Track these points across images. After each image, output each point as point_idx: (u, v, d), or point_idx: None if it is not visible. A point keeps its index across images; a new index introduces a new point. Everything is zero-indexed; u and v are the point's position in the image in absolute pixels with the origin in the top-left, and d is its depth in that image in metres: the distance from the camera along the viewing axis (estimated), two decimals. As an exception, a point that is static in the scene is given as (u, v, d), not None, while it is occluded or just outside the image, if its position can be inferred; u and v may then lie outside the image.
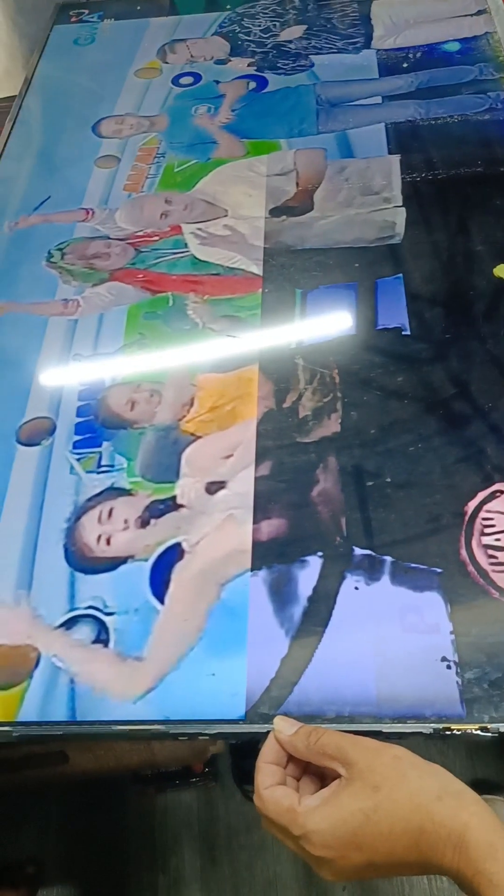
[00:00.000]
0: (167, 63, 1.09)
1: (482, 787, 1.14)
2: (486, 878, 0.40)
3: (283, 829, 0.45)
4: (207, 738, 0.52)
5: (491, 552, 0.57)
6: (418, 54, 1.01)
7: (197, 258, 0.81)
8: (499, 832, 0.41)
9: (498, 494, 0.60)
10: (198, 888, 1.18)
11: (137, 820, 1.23)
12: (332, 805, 0.43)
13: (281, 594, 0.57)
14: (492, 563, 0.56)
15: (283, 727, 0.49)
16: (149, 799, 1.24)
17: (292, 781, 0.48)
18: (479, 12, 1.06)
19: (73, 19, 1.21)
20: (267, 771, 0.47)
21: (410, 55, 1.02)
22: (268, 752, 0.48)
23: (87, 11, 1.22)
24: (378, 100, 0.96)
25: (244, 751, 1.23)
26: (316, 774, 0.48)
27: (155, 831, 1.22)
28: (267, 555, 0.59)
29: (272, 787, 0.46)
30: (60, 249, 0.85)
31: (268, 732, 0.50)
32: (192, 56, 1.09)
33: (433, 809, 0.42)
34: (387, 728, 0.50)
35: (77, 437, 0.69)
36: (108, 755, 0.93)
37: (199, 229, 0.84)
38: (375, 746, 0.45)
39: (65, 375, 0.74)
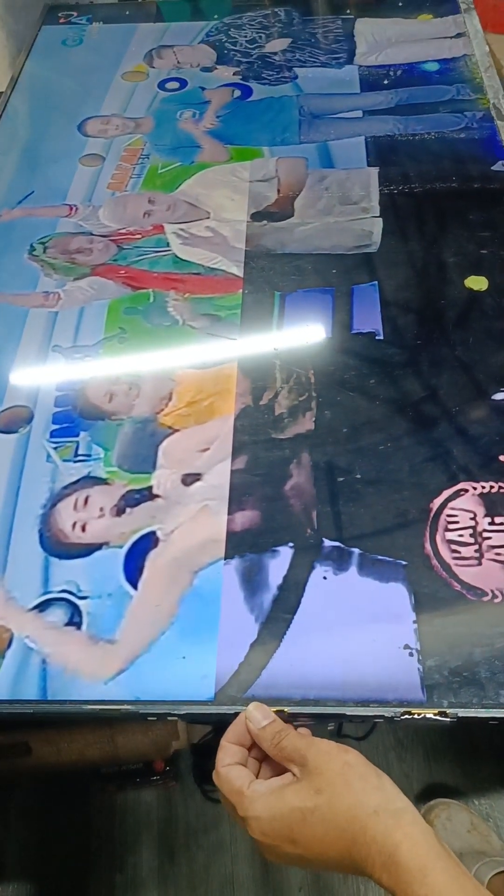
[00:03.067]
0: (154, 67, 1.11)
1: (439, 791, 1.17)
2: None
3: (231, 807, 0.47)
4: (177, 718, 0.53)
5: (454, 547, 0.59)
6: (399, 72, 1.05)
7: (178, 257, 0.83)
8: (432, 854, 0.41)
9: (462, 493, 0.62)
10: (154, 887, 1.18)
11: (97, 818, 1.23)
12: (275, 797, 0.45)
13: (252, 582, 0.59)
14: (454, 558, 0.58)
15: (255, 718, 0.49)
16: (109, 797, 1.24)
17: (254, 763, 0.50)
18: (459, 35, 1.10)
19: (61, 20, 1.23)
20: (229, 750, 0.49)
21: (391, 73, 1.05)
22: (233, 732, 0.50)
23: (75, 14, 1.24)
24: (359, 114, 0.99)
25: (206, 751, 1.24)
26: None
27: (114, 830, 1.22)
28: (240, 544, 0.61)
29: (230, 766, 0.48)
30: (43, 243, 0.86)
31: (236, 714, 0.51)
32: (178, 62, 1.11)
33: (367, 824, 0.42)
34: (350, 711, 0.51)
35: (54, 427, 0.70)
36: (72, 748, 0.93)
37: (182, 230, 0.86)
38: (329, 750, 0.46)
39: (44, 366, 0.75)
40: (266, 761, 0.50)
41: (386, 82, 1.03)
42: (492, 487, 0.62)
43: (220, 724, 0.51)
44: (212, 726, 1.15)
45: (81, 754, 0.95)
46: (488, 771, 1.21)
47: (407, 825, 0.43)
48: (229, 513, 0.63)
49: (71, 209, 0.90)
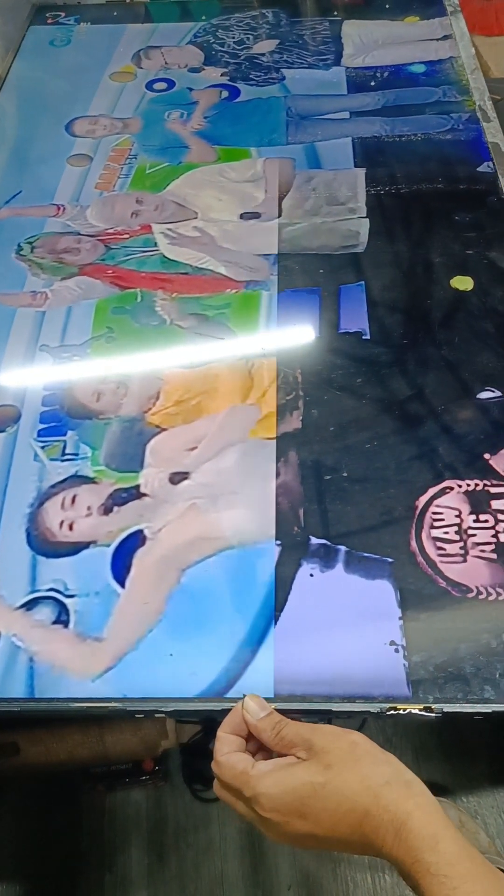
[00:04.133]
0: (142, 68, 1.11)
1: (429, 789, 1.17)
2: (424, 867, 0.40)
3: (236, 791, 0.46)
4: (164, 715, 0.53)
5: (439, 544, 0.59)
6: (386, 74, 1.06)
7: (166, 257, 0.83)
8: (442, 824, 0.42)
9: (448, 490, 0.62)
10: (144, 886, 1.18)
11: (87, 818, 1.23)
12: (284, 772, 0.45)
13: (239, 580, 0.59)
14: (440, 555, 0.59)
15: (252, 710, 0.49)
16: (99, 797, 1.24)
17: (250, 755, 0.49)
18: (445, 37, 1.11)
19: (49, 21, 1.23)
20: (226, 740, 0.48)
21: (378, 74, 1.06)
22: (229, 723, 0.49)
23: (63, 14, 1.24)
24: (346, 115, 1.00)
25: (195, 750, 1.24)
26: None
27: (104, 829, 1.22)
28: (227, 542, 0.61)
29: (229, 754, 0.47)
30: (30, 243, 0.86)
31: (224, 711, 0.52)
32: (166, 63, 1.11)
33: (380, 793, 0.43)
34: (336, 707, 0.52)
35: (42, 426, 0.70)
36: (60, 747, 0.94)
37: (169, 229, 0.86)
38: (334, 731, 0.46)
39: (31, 365, 0.75)
40: (261, 754, 0.50)
41: (373, 84, 1.04)
42: (476, 485, 0.62)
43: (209, 721, 0.52)
44: (201, 726, 1.15)
45: (70, 754, 0.96)
46: (477, 769, 1.22)
47: (418, 795, 0.43)
48: (216, 511, 0.63)
49: (58, 209, 0.90)
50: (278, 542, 0.61)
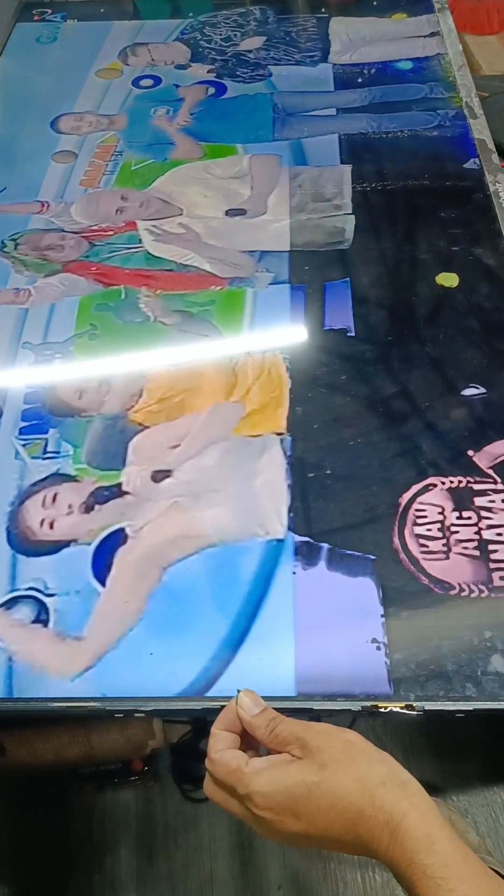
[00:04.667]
0: (128, 65, 1.10)
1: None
2: (421, 869, 0.40)
3: (229, 788, 0.45)
4: (144, 714, 0.52)
5: (422, 541, 0.59)
6: (373, 70, 1.05)
7: (151, 254, 0.83)
8: (437, 824, 0.41)
9: (431, 487, 0.62)
10: (133, 887, 1.17)
11: (75, 819, 1.22)
12: (279, 771, 0.44)
13: (221, 578, 0.58)
14: (422, 552, 0.58)
15: (246, 706, 0.48)
16: (87, 797, 1.23)
17: (243, 753, 0.48)
18: (432, 34, 1.10)
19: (35, 18, 1.22)
20: (220, 736, 0.47)
21: (365, 71, 1.05)
22: (223, 720, 0.48)
23: (50, 11, 1.23)
24: (333, 111, 0.99)
25: (184, 750, 1.24)
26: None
27: (93, 830, 1.21)
28: (209, 540, 0.61)
29: (223, 751, 0.46)
30: (14, 240, 0.85)
31: (204, 710, 0.51)
32: (153, 59, 1.11)
33: (375, 793, 0.42)
34: (317, 705, 0.51)
35: (24, 423, 0.69)
36: (47, 748, 0.93)
37: (154, 226, 0.86)
38: (328, 730, 0.45)
39: (14, 363, 0.74)
40: (252, 752, 0.49)
41: (360, 80, 1.04)
42: (460, 482, 0.62)
43: (198, 720, 0.51)
44: (191, 726, 1.14)
45: (57, 754, 0.95)
46: (467, 767, 1.21)
47: (413, 795, 0.43)
48: (199, 509, 0.62)
49: (43, 206, 0.89)
50: (260, 539, 0.60)
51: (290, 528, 0.61)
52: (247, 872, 1.18)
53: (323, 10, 1.17)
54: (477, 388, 0.69)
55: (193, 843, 1.21)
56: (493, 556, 0.58)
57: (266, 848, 1.19)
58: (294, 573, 0.58)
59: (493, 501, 0.61)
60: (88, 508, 0.63)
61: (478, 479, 0.62)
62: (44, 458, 0.67)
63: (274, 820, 0.44)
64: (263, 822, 0.44)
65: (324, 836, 0.43)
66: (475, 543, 0.59)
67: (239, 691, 0.49)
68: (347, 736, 0.45)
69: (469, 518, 0.60)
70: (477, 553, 0.58)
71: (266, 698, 0.51)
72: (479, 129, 0.94)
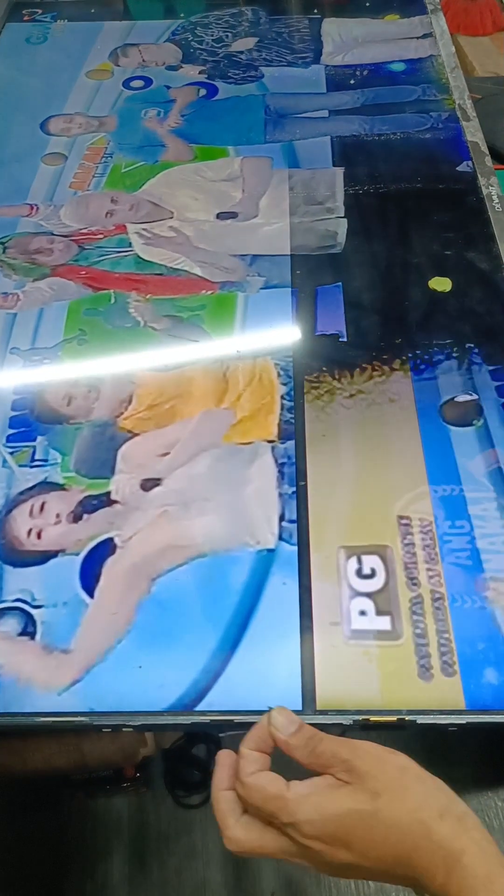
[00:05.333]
0: (119, 66, 1.09)
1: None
2: None
3: (266, 816, 0.43)
4: (132, 729, 0.52)
5: (414, 550, 0.58)
6: (365, 72, 1.04)
7: (141, 258, 0.82)
8: (496, 861, 0.40)
9: (424, 496, 0.61)
10: (126, 894, 1.16)
11: (67, 825, 1.21)
12: (327, 798, 0.42)
13: (211, 588, 0.58)
14: (414, 561, 0.58)
15: (281, 725, 0.46)
16: (79, 805, 1.22)
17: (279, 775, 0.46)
18: (425, 35, 1.10)
19: (25, 18, 1.21)
20: (250, 757, 0.45)
21: (358, 72, 1.04)
22: (253, 739, 0.46)
23: (40, 11, 1.22)
24: (325, 113, 0.99)
25: (177, 756, 1.23)
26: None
27: (85, 836, 1.20)
28: (199, 550, 0.60)
29: (256, 774, 0.44)
30: (2, 243, 0.84)
31: (192, 724, 0.50)
32: (143, 60, 1.10)
33: (433, 828, 0.40)
34: (308, 719, 0.50)
35: (11, 431, 0.68)
36: (37, 757, 0.92)
37: (144, 229, 0.85)
38: (379, 754, 0.43)
39: (1, 369, 0.73)
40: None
41: (352, 82, 1.03)
42: (453, 490, 0.61)
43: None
44: (183, 731, 1.13)
45: (48, 763, 0.94)
46: (460, 773, 1.21)
47: (472, 829, 0.41)
48: (189, 518, 0.62)
49: (32, 209, 0.88)
50: (251, 549, 0.59)
51: (280, 538, 0.60)
52: (240, 879, 1.17)
53: (315, 10, 1.17)
54: (470, 394, 0.68)
55: (186, 849, 1.20)
56: (485, 566, 0.57)
57: (259, 854, 1.18)
58: (285, 584, 0.57)
59: (486, 510, 0.60)
60: (77, 518, 0.62)
61: (471, 487, 0.62)
62: (31, 467, 0.66)
63: (323, 850, 0.41)
64: (309, 853, 0.42)
65: (374, 868, 0.42)
66: (467, 553, 0.58)
67: (270, 709, 0.47)
68: (400, 761, 0.43)
69: (462, 527, 0.59)
70: (469, 563, 0.58)
71: (256, 712, 0.51)
72: (473, 132, 0.94)
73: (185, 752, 1.23)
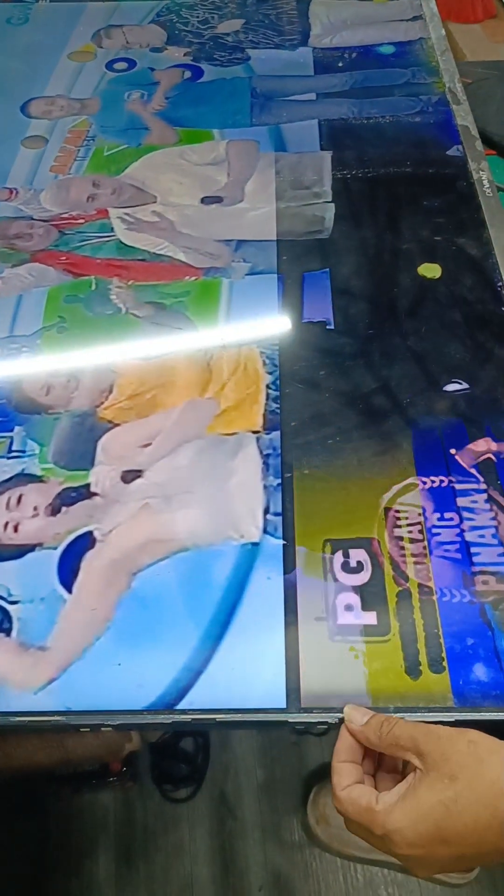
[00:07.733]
0: (102, 48, 1.07)
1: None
2: None
3: (365, 828, 0.43)
4: (111, 729, 0.50)
5: (402, 543, 0.57)
6: (354, 55, 1.02)
7: (123, 243, 0.80)
8: None
9: (412, 488, 0.60)
10: (112, 891, 1.15)
11: (52, 821, 1.20)
12: (410, 800, 0.41)
13: (193, 584, 0.56)
14: (402, 555, 0.56)
15: (353, 717, 0.47)
16: (64, 800, 1.21)
17: (368, 778, 0.47)
18: (415, 18, 1.08)
19: (6, -2, 1.18)
20: (343, 771, 0.45)
21: (346, 55, 1.02)
22: (342, 750, 0.46)
23: (21, -9, 1.19)
24: (312, 96, 0.96)
25: (164, 749, 1.21)
26: (392, 767, 0.47)
27: (71, 833, 1.19)
28: (181, 544, 0.58)
29: (349, 787, 0.44)
30: (-19, 228, 0.82)
31: (173, 723, 0.49)
32: (127, 42, 1.07)
33: None
34: (292, 718, 0.49)
35: (-12, 421, 0.66)
36: (20, 753, 0.90)
37: (127, 214, 0.82)
38: (448, 734, 0.43)
39: (-21, 357, 0.71)
40: (379, 774, 0.48)
41: (340, 65, 1.01)
42: (442, 482, 0.60)
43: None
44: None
45: (31, 759, 0.92)
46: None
47: None
48: (171, 511, 0.60)
49: (11, 193, 0.86)
50: (235, 543, 0.58)
51: (265, 531, 0.58)
52: (227, 874, 1.16)
53: (303, -8, 1.14)
54: (460, 383, 0.67)
55: (173, 845, 1.19)
56: (475, 560, 0.56)
57: (247, 849, 1.18)
58: (269, 578, 0.56)
59: (475, 502, 0.59)
60: (55, 510, 0.61)
61: (460, 478, 0.60)
62: (9, 458, 0.64)
63: (423, 854, 0.41)
64: (411, 860, 0.42)
65: (479, 852, 0.41)
66: (457, 546, 0.57)
67: (344, 707, 0.48)
68: (469, 736, 0.42)
69: (451, 519, 0.58)
70: (458, 556, 0.56)
71: (238, 711, 0.49)
72: (463, 116, 0.92)
73: (172, 746, 1.21)
